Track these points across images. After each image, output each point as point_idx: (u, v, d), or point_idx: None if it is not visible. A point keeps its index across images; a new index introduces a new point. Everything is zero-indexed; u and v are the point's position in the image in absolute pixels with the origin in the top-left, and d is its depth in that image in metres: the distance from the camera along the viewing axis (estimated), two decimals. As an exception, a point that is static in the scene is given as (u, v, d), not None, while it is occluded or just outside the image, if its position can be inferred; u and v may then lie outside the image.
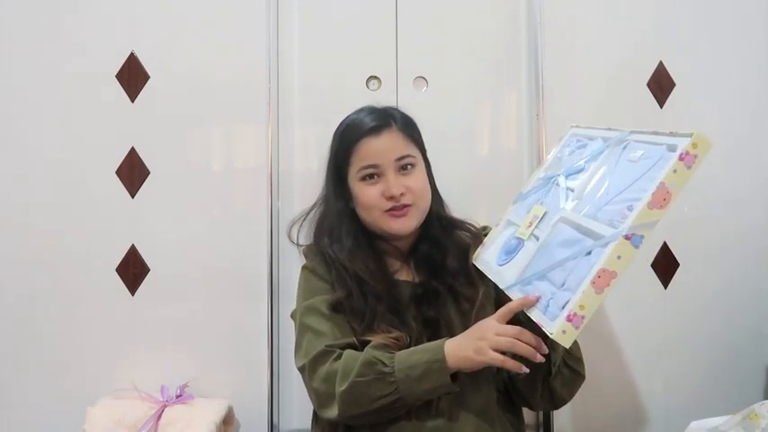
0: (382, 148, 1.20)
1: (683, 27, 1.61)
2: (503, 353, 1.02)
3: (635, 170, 0.99)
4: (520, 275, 1.07)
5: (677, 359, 1.58)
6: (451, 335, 1.15)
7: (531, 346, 1.01)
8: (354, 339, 1.14)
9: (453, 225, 1.29)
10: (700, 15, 1.61)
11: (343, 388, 1.07)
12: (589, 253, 0.95)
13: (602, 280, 0.91)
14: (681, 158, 0.92)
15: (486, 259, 1.21)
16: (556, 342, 1.05)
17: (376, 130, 1.21)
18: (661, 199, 0.91)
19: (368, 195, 1.20)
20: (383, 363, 1.07)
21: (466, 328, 1.15)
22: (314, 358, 1.12)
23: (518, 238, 1.13)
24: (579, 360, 1.16)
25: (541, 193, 1.17)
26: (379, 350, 1.09)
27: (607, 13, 1.59)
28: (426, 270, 1.23)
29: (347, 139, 1.24)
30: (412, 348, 1.10)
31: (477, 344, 1.04)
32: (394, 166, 1.20)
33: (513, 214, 1.22)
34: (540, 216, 1.10)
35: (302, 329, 1.19)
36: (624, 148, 1.06)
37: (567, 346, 0.94)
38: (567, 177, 1.12)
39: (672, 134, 0.98)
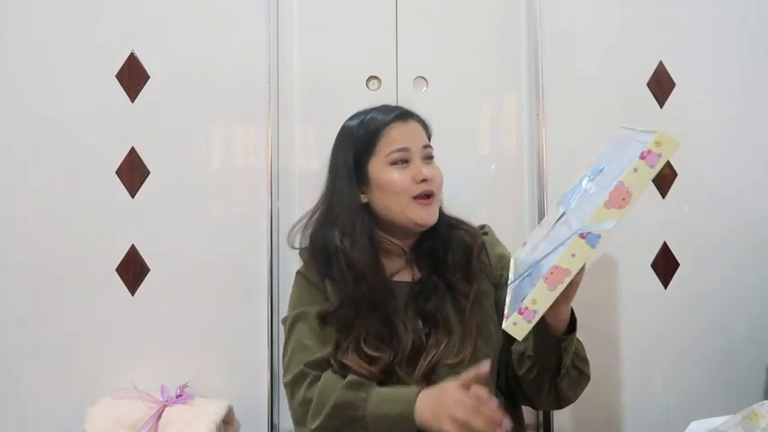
0: (411, 133, 1.21)
1: (683, 27, 1.61)
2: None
3: (618, 170, 0.96)
4: (519, 273, 1.08)
5: (677, 359, 1.58)
6: (449, 331, 1.15)
7: (493, 420, 0.97)
8: (335, 355, 1.13)
9: (454, 223, 1.28)
10: (700, 15, 1.62)
11: (315, 425, 1.08)
12: (555, 250, 0.95)
13: (555, 276, 0.90)
14: (642, 157, 0.87)
15: (516, 257, 1.21)
16: (568, 343, 1.06)
17: (403, 117, 1.22)
18: (620, 198, 0.87)
19: (398, 180, 1.17)
20: (355, 407, 1.06)
21: (463, 324, 1.15)
22: (293, 379, 1.14)
23: (542, 238, 1.13)
24: (586, 361, 1.16)
25: (570, 193, 1.15)
26: (354, 388, 1.07)
27: (607, 13, 1.60)
28: (427, 266, 1.22)
29: (373, 126, 1.21)
30: (387, 391, 1.08)
31: (436, 410, 1.01)
32: (421, 153, 1.20)
33: (550, 214, 1.20)
34: (558, 216, 1.10)
35: (289, 341, 1.19)
36: (627, 147, 1.04)
37: (519, 339, 0.94)
38: (590, 179, 1.10)
39: (652, 132, 0.95)
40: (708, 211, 1.59)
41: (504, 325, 0.94)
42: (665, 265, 1.59)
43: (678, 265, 1.59)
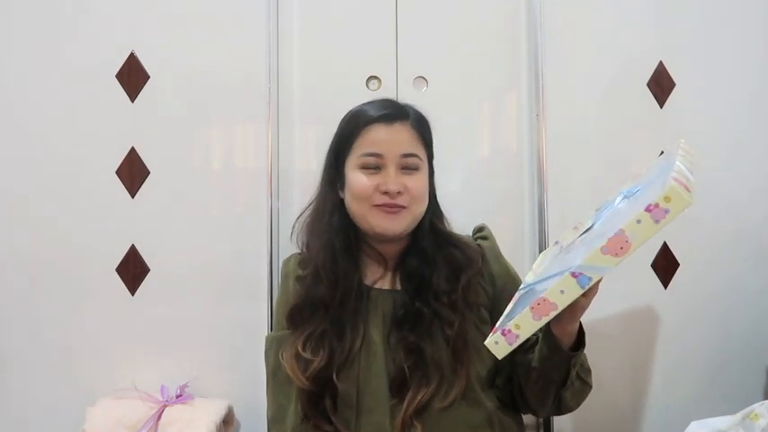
0: (391, 138, 1.13)
1: (683, 27, 1.61)
2: None
3: (633, 208, 0.91)
4: (529, 283, 1.07)
5: (677, 359, 1.58)
6: (438, 366, 1.09)
7: None
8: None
9: (448, 241, 1.20)
10: (700, 15, 1.61)
11: None
12: (552, 277, 0.94)
13: (541, 308, 0.90)
14: (648, 209, 0.83)
15: (545, 255, 1.19)
16: (576, 359, 1.06)
17: (388, 118, 1.15)
18: (617, 247, 0.85)
19: (362, 185, 1.11)
20: None
21: (454, 356, 1.10)
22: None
23: (569, 245, 1.09)
24: (589, 371, 1.15)
25: (607, 205, 1.11)
26: None
27: (607, 12, 1.59)
28: (412, 287, 1.15)
29: (354, 122, 1.16)
30: None
31: None
32: (397, 162, 1.12)
33: (588, 220, 1.16)
34: (587, 227, 1.06)
35: (267, 378, 1.20)
36: (664, 172, 0.96)
37: (499, 357, 0.95)
38: (625, 197, 1.05)
39: (684, 155, 0.93)
40: (708, 210, 1.59)
41: (487, 341, 0.95)
42: (665, 265, 1.59)
43: (678, 265, 1.59)
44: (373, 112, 1.17)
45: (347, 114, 1.21)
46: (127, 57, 1.52)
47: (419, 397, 1.07)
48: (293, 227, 1.29)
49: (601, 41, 1.59)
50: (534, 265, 1.21)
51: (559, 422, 1.52)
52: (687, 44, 1.61)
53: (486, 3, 1.58)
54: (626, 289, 1.57)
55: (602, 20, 1.59)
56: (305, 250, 1.23)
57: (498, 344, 0.93)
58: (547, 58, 1.55)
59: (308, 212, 1.25)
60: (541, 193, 1.53)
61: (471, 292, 1.16)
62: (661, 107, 1.60)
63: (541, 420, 1.52)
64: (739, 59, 1.62)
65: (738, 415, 1.19)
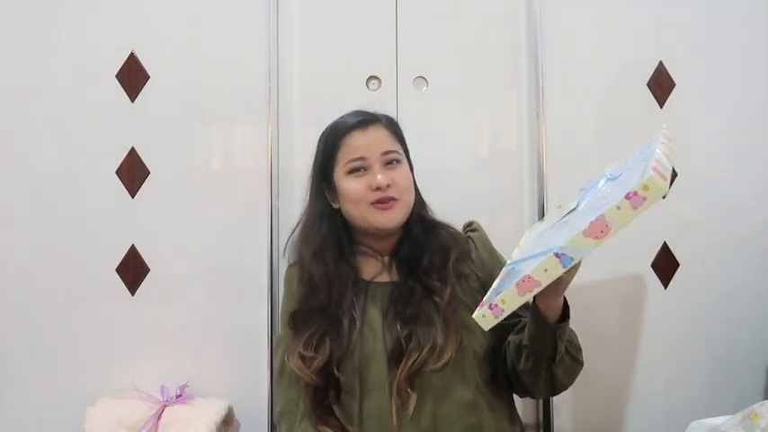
0: (369, 141, 1.22)
1: (683, 27, 1.61)
2: None
3: (615, 193, 0.96)
4: (515, 260, 1.10)
5: (677, 359, 1.58)
6: (431, 331, 1.16)
7: None
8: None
9: (434, 226, 1.30)
10: (699, 16, 1.62)
11: None
12: (537, 256, 0.98)
13: (526, 285, 0.95)
14: (627, 197, 0.88)
15: (531, 232, 1.24)
16: (562, 331, 1.09)
17: (362, 124, 1.24)
18: (598, 230, 0.90)
19: (354, 188, 1.21)
20: None
21: (445, 323, 1.17)
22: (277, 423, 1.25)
23: (552, 224, 1.14)
24: (579, 348, 1.18)
25: (591, 186, 1.17)
26: None
27: (607, 13, 1.60)
28: (405, 270, 1.24)
29: (333, 136, 1.25)
30: None
31: None
32: (380, 160, 1.22)
33: (572, 200, 1.20)
34: (572, 207, 1.11)
35: (275, 375, 1.27)
36: (645, 159, 1.01)
37: (485, 329, 1.00)
38: (606, 180, 1.10)
39: (665, 141, 0.96)
40: (708, 210, 1.59)
41: (475, 314, 1.01)
42: (665, 265, 1.59)
43: (678, 265, 1.59)
44: (348, 122, 1.25)
45: (324, 131, 1.29)
46: (127, 57, 1.52)
47: (412, 360, 1.13)
48: (286, 243, 1.34)
49: (601, 41, 1.59)
50: (521, 242, 1.25)
51: (559, 422, 1.52)
52: (687, 44, 1.61)
53: (486, 3, 1.59)
54: (626, 289, 1.57)
55: (602, 20, 1.59)
56: (299, 260, 1.29)
57: (485, 317, 0.99)
58: (547, 58, 1.55)
59: (300, 226, 1.31)
60: (541, 193, 1.54)
61: (460, 265, 1.24)
62: (661, 107, 1.60)
63: (542, 420, 1.52)
64: (739, 59, 1.62)
65: (738, 415, 1.19)
